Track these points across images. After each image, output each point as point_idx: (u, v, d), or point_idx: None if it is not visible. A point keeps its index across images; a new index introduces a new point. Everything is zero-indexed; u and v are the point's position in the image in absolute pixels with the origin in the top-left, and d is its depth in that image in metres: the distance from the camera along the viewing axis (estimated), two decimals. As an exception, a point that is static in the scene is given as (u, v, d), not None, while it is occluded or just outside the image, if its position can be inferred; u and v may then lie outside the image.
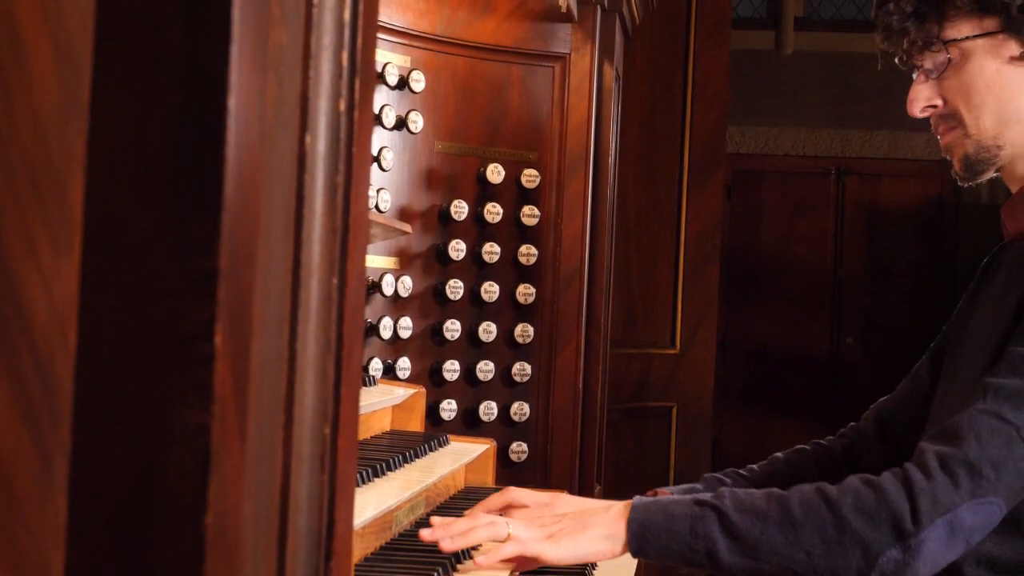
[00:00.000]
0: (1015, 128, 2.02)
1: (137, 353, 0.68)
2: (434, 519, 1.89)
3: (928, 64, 2.06)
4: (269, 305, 0.82)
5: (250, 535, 0.80)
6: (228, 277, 0.69)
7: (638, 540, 1.86)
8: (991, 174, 2.07)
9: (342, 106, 0.90)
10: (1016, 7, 1.97)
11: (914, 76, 2.11)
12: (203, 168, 0.69)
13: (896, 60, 2.12)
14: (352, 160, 0.90)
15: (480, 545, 1.93)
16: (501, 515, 1.98)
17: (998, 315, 1.97)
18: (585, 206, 3.11)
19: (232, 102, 0.67)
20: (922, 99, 2.07)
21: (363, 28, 0.91)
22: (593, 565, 2.29)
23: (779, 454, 2.32)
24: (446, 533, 1.84)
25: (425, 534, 1.85)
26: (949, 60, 2.03)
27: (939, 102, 2.06)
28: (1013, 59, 2.00)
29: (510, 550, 1.85)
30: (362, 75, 0.91)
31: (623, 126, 3.49)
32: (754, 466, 2.29)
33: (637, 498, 1.92)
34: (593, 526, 1.88)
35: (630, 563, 2.33)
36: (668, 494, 2.18)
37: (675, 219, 4.47)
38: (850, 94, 7.24)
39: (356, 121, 0.91)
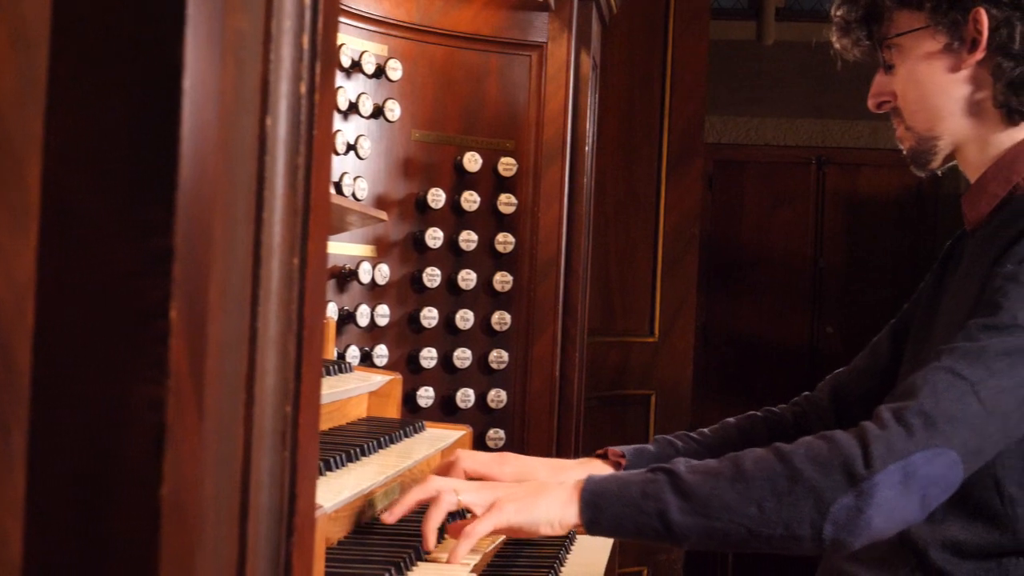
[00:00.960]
0: (948, 120, 2.06)
1: (94, 331, 0.69)
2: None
3: (883, 59, 2.10)
4: (229, 285, 0.83)
5: (211, 511, 0.82)
6: (184, 257, 0.70)
7: (591, 509, 1.84)
8: (942, 163, 2.10)
9: (303, 89, 0.91)
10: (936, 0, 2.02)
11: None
12: (158, 150, 0.70)
13: (859, 54, 2.16)
14: (313, 142, 0.92)
15: (446, 528, 1.94)
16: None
17: (962, 303, 1.99)
18: (562, 195, 3.12)
19: (187, 83, 0.69)
20: (875, 93, 2.13)
21: (324, 11, 0.93)
22: (572, 539, 2.31)
23: (730, 419, 2.33)
24: (397, 516, 1.86)
25: (387, 518, 1.87)
26: (892, 55, 2.08)
27: (890, 97, 2.11)
28: (939, 53, 2.03)
29: (474, 536, 1.84)
30: (323, 58, 0.93)
31: (601, 116, 3.50)
32: (705, 430, 2.31)
33: (592, 475, 1.91)
34: (547, 494, 1.87)
35: (604, 545, 2.36)
36: (616, 452, 2.19)
37: (653, 209, 4.49)
38: (831, 84, 7.26)
39: (317, 104, 0.92)
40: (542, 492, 1.88)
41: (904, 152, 2.13)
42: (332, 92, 0.97)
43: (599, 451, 2.24)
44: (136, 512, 0.68)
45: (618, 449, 2.21)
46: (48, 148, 0.70)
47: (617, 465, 2.20)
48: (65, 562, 0.70)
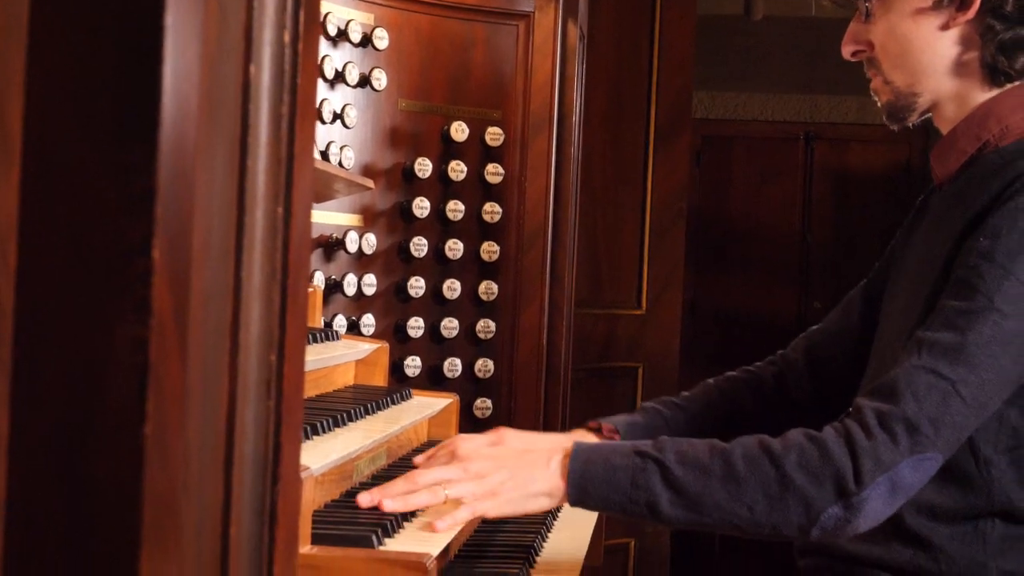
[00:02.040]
0: (931, 76, 2.04)
1: (77, 271, 0.69)
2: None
3: (866, 7, 2.08)
4: (213, 232, 0.83)
5: (195, 457, 0.82)
6: (166, 198, 0.70)
7: (578, 491, 1.86)
8: (918, 118, 2.09)
9: (286, 38, 0.91)
10: None
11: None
12: (141, 89, 0.70)
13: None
14: (297, 91, 0.92)
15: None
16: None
17: (928, 263, 1.99)
18: (549, 165, 3.12)
19: (169, 20, 0.69)
20: (851, 41, 2.10)
21: (307, -38, 0.92)
22: (555, 515, 2.31)
23: (711, 380, 2.33)
24: (386, 494, 1.83)
25: (363, 499, 1.82)
26: (869, 7, 2.06)
27: (865, 48, 2.09)
28: (928, 9, 2.02)
29: (463, 516, 1.86)
30: (306, 7, 0.92)
31: (589, 89, 3.50)
32: (687, 393, 2.31)
33: (576, 445, 1.91)
34: (534, 482, 1.88)
35: (591, 514, 2.36)
36: (610, 427, 2.19)
37: (641, 182, 4.48)
38: (819, 60, 7.26)
39: (300, 53, 0.92)
40: (530, 480, 1.88)
41: (879, 104, 2.12)
42: (315, 42, 0.96)
43: (592, 424, 2.24)
44: (119, 451, 0.68)
45: (611, 424, 2.21)
46: (30, 88, 0.70)
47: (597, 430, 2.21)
48: (49, 502, 0.70)
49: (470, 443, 1.99)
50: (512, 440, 2.03)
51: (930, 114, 2.09)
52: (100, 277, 0.68)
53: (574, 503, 1.88)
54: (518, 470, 1.90)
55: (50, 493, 0.70)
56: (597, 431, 2.21)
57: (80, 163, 0.69)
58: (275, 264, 0.91)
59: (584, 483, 1.86)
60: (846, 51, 2.12)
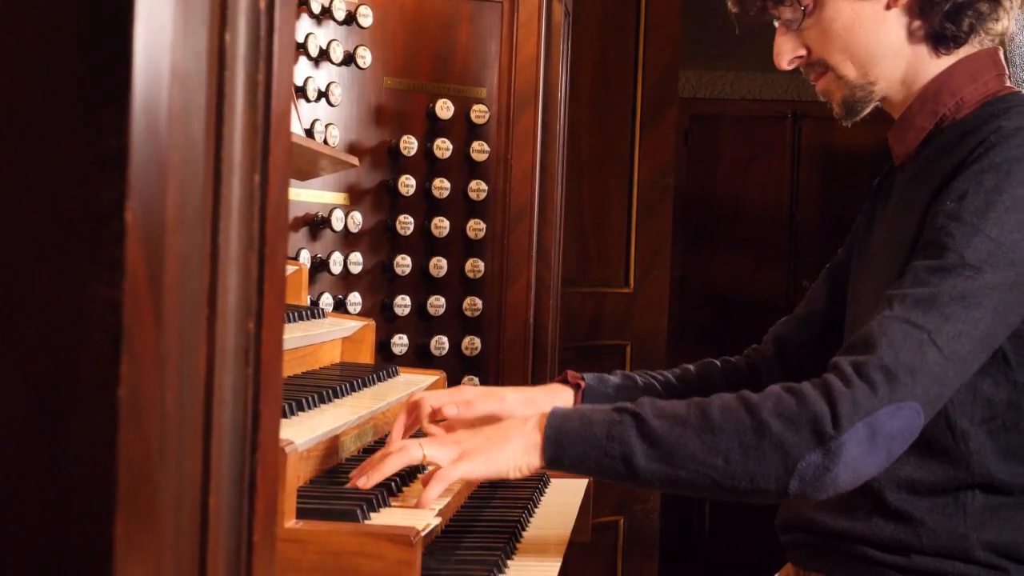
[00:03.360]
0: (883, 62, 2.03)
1: (49, 234, 0.69)
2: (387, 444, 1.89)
3: (787, 15, 2.05)
4: (188, 199, 0.83)
5: (173, 424, 0.82)
6: (138, 160, 0.70)
7: (554, 447, 1.82)
8: (871, 107, 2.09)
9: (262, 4, 0.90)
10: None
11: (776, 26, 2.11)
12: (112, 51, 0.70)
13: (751, 14, 2.12)
14: (273, 58, 0.91)
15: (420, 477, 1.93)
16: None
17: (896, 242, 1.99)
18: (535, 142, 3.12)
19: (138, -18, 0.68)
20: (787, 51, 2.06)
21: (282, -73, 0.92)
22: (546, 481, 2.30)
23: (689, 365, 2.34)
24: (360, 473, 1.82)
25: (354, 478, 1.82)
26: (804, 9, 2.03)
27: (803, 52, 2.06)
28: None
29: (442, 482, 1.82)
30: (282, -26, 0.92)
31: (575, 67, 3.49)
32: (665, 371, 2.32)
33: (555, 408, 1.89)
34: (510, 439, 1.85)
35: (578, 491, 2.36)
36: (576, 375, 2.19)
37: (628, 160, 4.48)
38: (806, 38, 7.24)
39: (276, 20, 0.91)
40: (507, 439, 1.86)
41: (832, 103, 2.09)
42: (292, 10, 0.96)
43: (559, 377, 2.25)
44: (93, 414, 0.68)
45: (576, 373, 2.22)
46: (1, 51, 0.69)
47: (576, 387, 2.20)
48: (24, 466, 0.70)
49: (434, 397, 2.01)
50: (479, 400, 2.04)
51: (880, 103, 2.09)
52: (73, 239, 0.68)
53: (550, 461, 1.84)
54: (495, 432, 1.89)
55: (24, 456, 0.69)
56: (563, 381, 2.22)
57: (51, 125, 0.68)
58: (252, 232, 0.91)
59: (560, 437, 1.83)
60: (783, 62, 2.07)
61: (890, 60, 2.03)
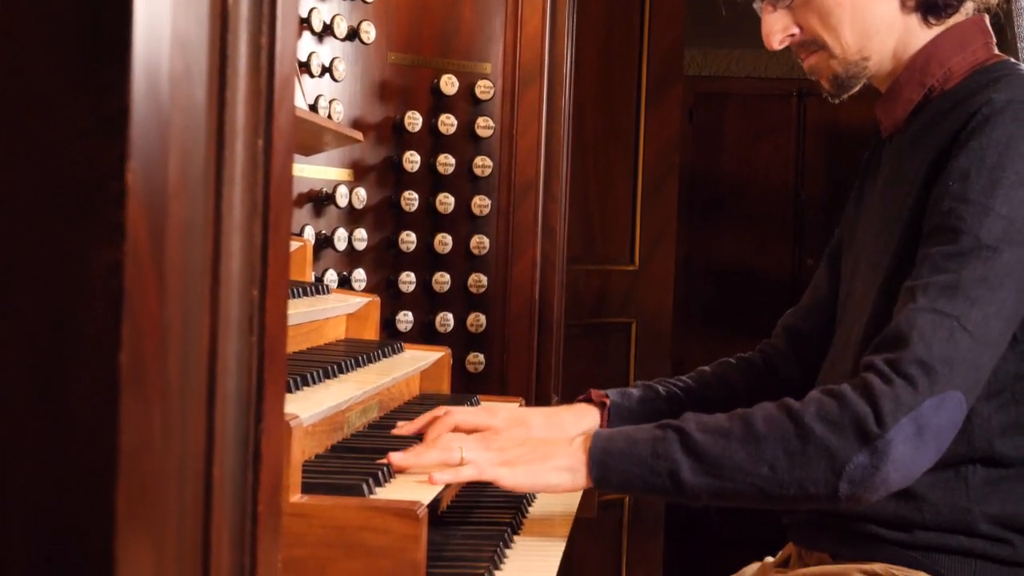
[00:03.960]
0: (877, 36, 2.01)
1: (48, 195, 0.68)
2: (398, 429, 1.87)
3: None
4: (191, 164, 0.81)
5: (176, 392, 0.80)
6: (139, 120, 0.68)
7: (599, 467, 1.82)
8: (862, 83, 2.07)
9: (265, -34, 0.89)
10: None
11: (757, 9, 2.09)
12: (112, 11, 0.68)
13: None
14: (276, 21, 0.90)
15: None
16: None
17: (891, 216, 1.98)
18: (540, 118, 3.10)
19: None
20: (778, 31, 2.04)
21: None
22: (532, 496, 2.26)
23: (704, 368, 2.34)
24: (401, 457, 1.82)
25: (396, 458, 1.81)
26: None
27: (796, 30, 2.04)
28: None
29: (468, 473, 1.81)
30: (285, -65, 0.90)
31: (580, 44, 3.47)
32: (684, 376, 2.32)
33: (599, 430, 1.89)
34: (554, 456, 1.84)
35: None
36: (600, 393, 2.19)
37: (633, 137, 4.46)
38: (811, 15, 7.21)
39: (280, -18, 0.90)
40: (550, 455, 1.85)
41: (823, 81, 2.08)
42: (296, -28, 0.94)
43: (581, 396, 2.24)
44: (94, 380, 0.66)
45: (601, 392, 2.21)
46: (-2, 10, 0.68)
47: (602, 405, 2.20)
48: (24, 433, 0.68)
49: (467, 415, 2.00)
50: (505, 411, 2.04)
51: (868, 80, 2.08)
52: (73, 201, 0.67)
53: (596, 481, 1.83)
54: (539, 446, 1.88)
55: (26, 423, 0.68)
56: (587, 400, 2.21)
57: (50, 83, 0.67)
58: (256, 198, 0.89)
59: (605, 457, 1.82)
60: (773, 42, 2.05)
61: (884, 33, 2.01)
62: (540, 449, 1.86)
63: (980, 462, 1.90)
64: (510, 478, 1.83)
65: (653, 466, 1.80)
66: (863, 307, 1.99)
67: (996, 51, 2.04)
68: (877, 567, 1.93)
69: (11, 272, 0.68)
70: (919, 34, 2.02)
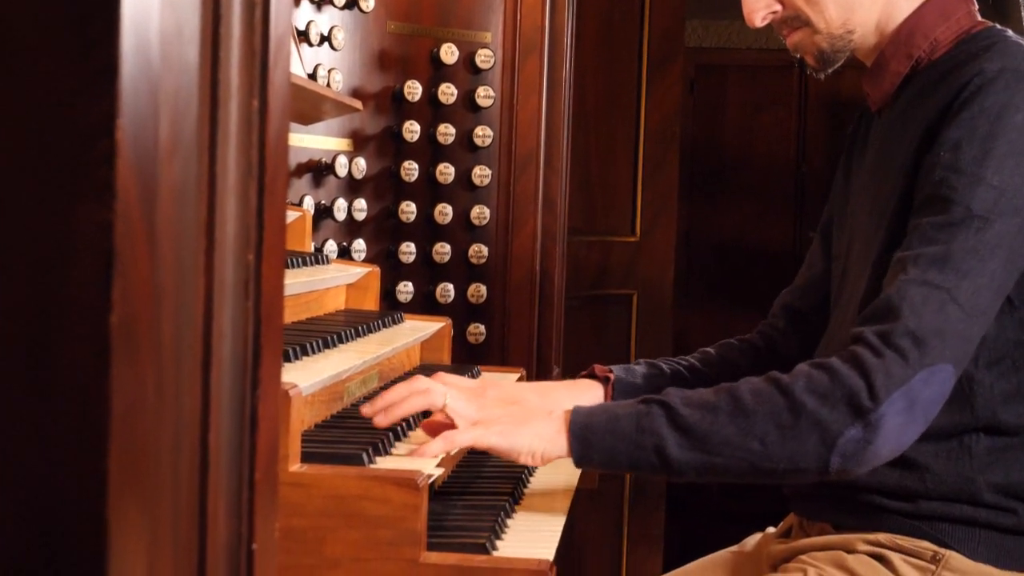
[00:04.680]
0: (859, 9, 2.00)
1: (37, 153, 0.66)
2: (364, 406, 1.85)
3: None
4: (183, 123, 0.79)
5: (170, 359, 0.79)
6: (129, 76, 0.67)
7: (581, 443, 1.78)
8: (844, 59, 2.06)
9: (258, -77, 0.87)
10: None
11: None
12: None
13: None
14: (270, -21, 0.88)
15: (420, 423, 1.89)
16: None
17: (883, 186, 1.96)
18: (540, 88, 3.07)
19: None
20: (761, 7, 2.02)
21: None
22: (532, 468, 2.20)
23: (708, 348, 2.32)
24: (377, 408, 1.79)
25: (365, 409, 1.79)
26: None
27: (778, 7, 2.02)
28: None
29: (451, 442, 1.78)
30: None
31: (581, 15, 3.44)
32: (688, 356, 2.30)
33: (577, 406, 1.85)
34: (533, 423, 1.81)
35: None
36: (605, 369, 2.17)
37: (634, 109, 4.44)
38: (813, -14, 7.17)
39: (274, -61, 0.88)
40: (529, 421, 1.82)
41: (807, 57, 2.05)
42: (291, -70, 0.92)
43: (584, 372, 2.22)
44: (84, 342, 0.65)
45: (607, 368, 2.19)
46: (-16, -37, 0.66)
47: (606, 380, 2.17)
48: (12, 397, 0.67)
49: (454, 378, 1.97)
50: (497, 385, 2.01)
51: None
52: (62, 159, 0.65)
53: (578, 458, 1.80)
54: (518, 411, 1.86)
55: (9, 384, 0.67)
56: (590, 376, 2.19)
57: (36, 39, 0.65)
58: (251, 160, 0.87)
59: (586, 433, 1.79)
60: (756, 19, 2.02)
61: (867, 6, 2.00)
62: (520, 414, 1.84)
63: (983, 431, 1.89)
64: (485, 438, 1.80)
65: (638, 441, 1.77)
66: (858, 285, 1.98)
67: (979, 18, 2.03)
68: (881, 537, 1.92)
69: (-1, 232, 0.66)
70: (902, 5, 2.01)
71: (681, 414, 1.77)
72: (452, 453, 1.82)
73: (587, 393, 2.14)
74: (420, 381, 1.88)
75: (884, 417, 1.72)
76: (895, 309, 1.76)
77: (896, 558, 1.90)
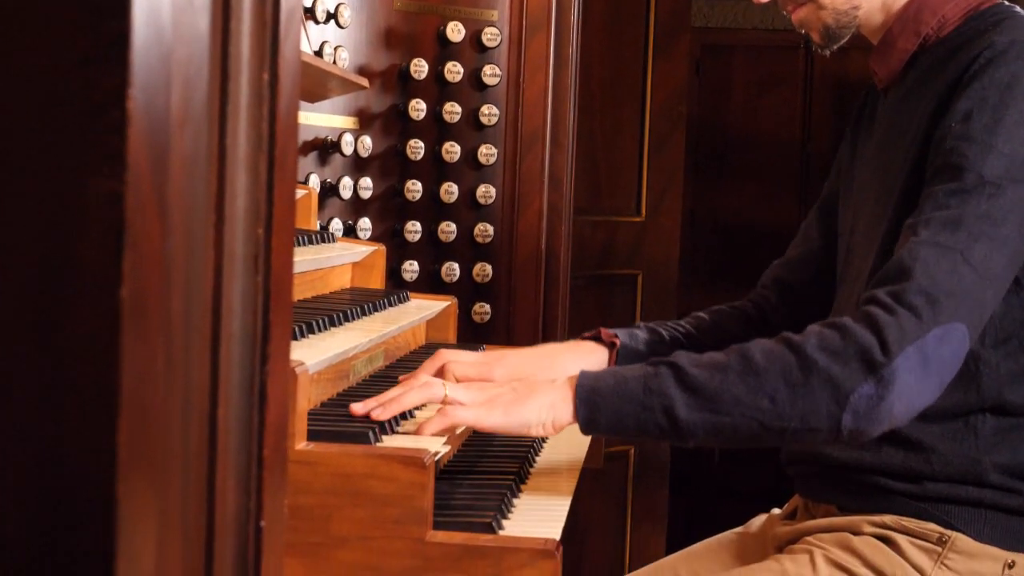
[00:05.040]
0: None
1: (47, 123, 0.65)
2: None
3: None
4: (194, 95, 0.79)
5: (179, 332, 0.78)
6: (140, 46, 0.66)
7: (588, 406, 1.75)
8: (850, 35, 2.05)
9: None
10: None
11: None
12: (112, -70, 0.65)
13: None
14: (281, -50, 0.87)
15: (424, 406, 1.87)
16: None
17: (892, 164, 1.95)
18: (547, 66, 3.06)
19: None
20: None
21: None
22: (538, 447, 2.19)
23: (700, 313, 2.31)
24: (377, 403, 1.75)
25: (356, 408, 1.74)
26: None
27: None
28: None
29: (452, 417, 1.76)
30: None
31: (587, -7, 3.43)
32: (682, 321, 2.28)
33: (584, 370, 1.82)
34: (538, 395, 1.78)
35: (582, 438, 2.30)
36: (611, 333, 2.16)
37: (640, 88, 4.42)
38: (820, -34, 7.14)
39: (285, -90, 0.87)
40: (533, 393, 1.79)
41: (812, 33, 2.06)
42: (302, -99, 0.92)
43: (588, 333, 2.19)
44: (94, 314, 0.64)
45: (610, 330, 2.17)
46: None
47: (611, 345, 2.16)
48: (20, 369, 0.66)
49: (460, 354, 1.96)
50: (503, 360, 2.00)
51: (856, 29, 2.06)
52: (73, 128, 0.64)
53: (585, 422, 1.76)
54: (522, 386, 1.82)
55: (19, 356, 0.66)
56: (595, 338, 2.17)
57: (48, 7, 0.64)
58: (261, 132, 0.87)
59: (593, 396, 1.75)
60: None
61: None
62: (523, 389, 1.80)
63: (989, 411, 1.88)
64: (490, 419, 1.77)
65: (646, 403, 1.73)
66: (866, 259, 1.97)
67: None
68: (887, 519, 1.91)
69: (8, 201, 0.65)
70: None
71: (690, 374, 1.73)
72: (454, 430, 1.80)
73: (591, 356, 2.13)
74: (420, 377, 1.86)
75: (897, 372, 1.69)
76: (907, 269, 1.75)
77: (903, 540, 1.89)
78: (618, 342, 2.15)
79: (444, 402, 1.79)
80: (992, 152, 1.78)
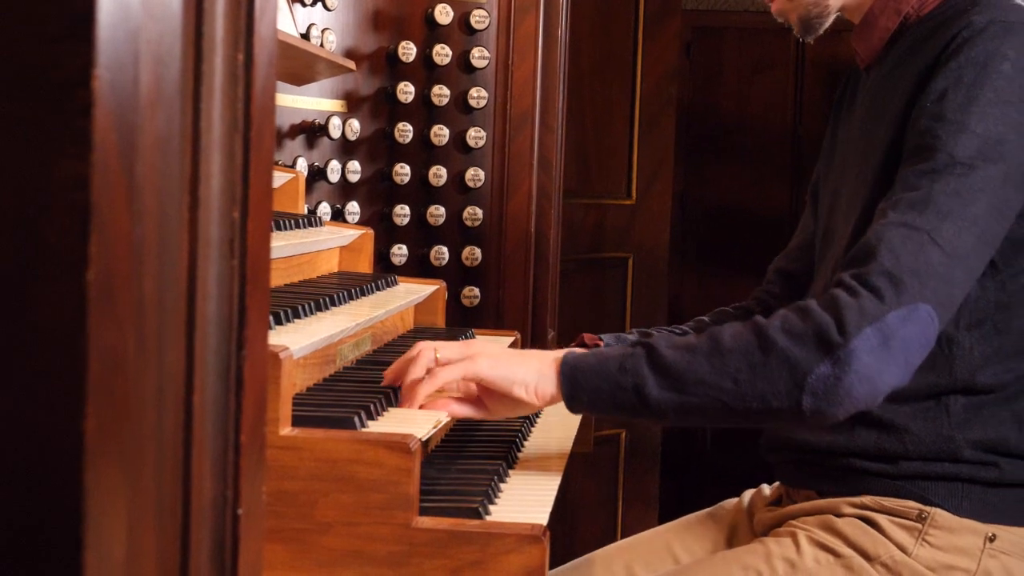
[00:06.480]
0: None
1: (12, 104, 0.64)
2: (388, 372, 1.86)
3: None
4: (165, 75, 0.77)
5: (152, 317, 0.77)
6: (107, 24, 0.64)
7: (570, 383, 1.79)
8: (830, 22, 2.06)
9: None
10: None
11: None
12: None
13: None
14: (256, -72, 0.85)
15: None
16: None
17: (872, 142, 1.95)
18: (536, 47, 3.04)
19: None
20: None
21: None
22: (527, 432, 2.21)
23: (703, 317, 2.31)
24: (404, 399, 1.81)
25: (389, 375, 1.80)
26: None
27: None
28: None
29: (440, 377, 1.79)
30: None
31: (577, -28, 3.41)
32: (682, 325, 2.29)
33: (570, 350, 1.86)
34: (528, 360, 1.83)
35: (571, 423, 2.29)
36: (594, 337, 2.16)
37: (630, 71, 4.40)
38: (811, -52, 7.11)
39: None
40: (522, 357, 1.84)
41: (791, 22, 2.07)
42: None
43: (574, 342, 2.21)
44: (60, 297, 0.63)
45: (598, 337, 2.18)
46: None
47: (595, 347, 2.16)
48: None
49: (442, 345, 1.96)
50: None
51: (838, 12, 2.06)
52: (38, 110, 0.63)
53: (568, 399, 1.80)
54: (512, 351, 1.87)
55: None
56: (580, 346, 2.18)
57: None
58: (236, 114, 0.85)
59: (575, 374, 1.79)
60: None
61: None
62: (513, 352, 1.86)
63: (961, 392, 1.88)
64: (471, 368, 1.80)
65: (620, 381, 1.77)
66: (842, 241, 1.97)
67: None
68: (866, 500, 1.92)
69: (-28, 185, 0.64)
70: None
71: (662, 355, 1.76)
72: (446, 386, 1.82)
73: None
74: (412, 349, 1.87)
75: (854, 353, 1.68)
76: (873, 251, 1.74)
77: (883, 519, 1.89)
78: (602, 344, 2.15)
79: (437, 362, 1.81)
80: (965, 132, 1.78)
